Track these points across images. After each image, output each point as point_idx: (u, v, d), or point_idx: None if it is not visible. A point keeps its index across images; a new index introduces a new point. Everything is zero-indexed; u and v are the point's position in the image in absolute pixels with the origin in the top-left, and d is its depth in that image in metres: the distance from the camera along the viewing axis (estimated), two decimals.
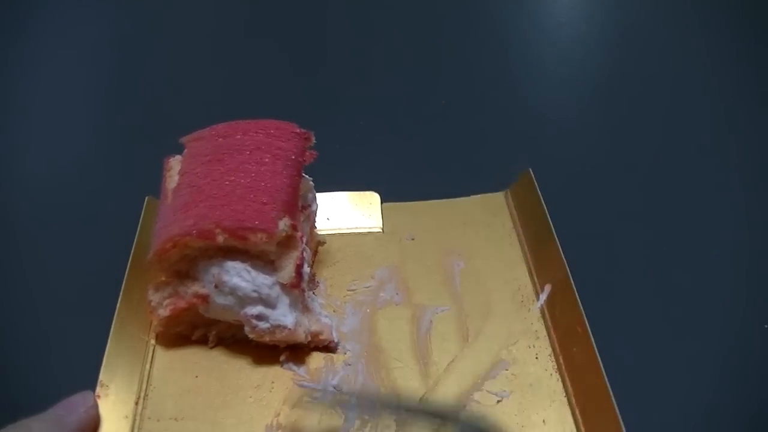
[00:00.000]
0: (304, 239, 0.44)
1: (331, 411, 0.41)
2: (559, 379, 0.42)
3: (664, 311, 0.49)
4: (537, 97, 0.73)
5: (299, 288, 0.42)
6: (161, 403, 0.41)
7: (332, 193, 0.55)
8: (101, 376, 0.40)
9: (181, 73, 0.77)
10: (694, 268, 0.52)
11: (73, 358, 0.44)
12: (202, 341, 0.45)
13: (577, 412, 0.40)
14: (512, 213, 0.54)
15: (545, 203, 0.51)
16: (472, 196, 0.56)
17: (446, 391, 0.42)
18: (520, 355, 0.44)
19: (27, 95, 0.73)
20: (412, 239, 0.52)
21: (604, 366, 0.39)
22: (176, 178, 0.45)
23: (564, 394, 0.42)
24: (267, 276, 0.42)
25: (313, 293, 0.47)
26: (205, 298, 0.42)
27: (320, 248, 0.51)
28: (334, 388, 0.42)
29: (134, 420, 0.40)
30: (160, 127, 0.60)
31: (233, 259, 0.41)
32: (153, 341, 0.45)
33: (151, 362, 0.44)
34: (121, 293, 0.45)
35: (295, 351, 0.44)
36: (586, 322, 0.42)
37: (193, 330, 0.45)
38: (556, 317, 0.45)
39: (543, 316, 0.46)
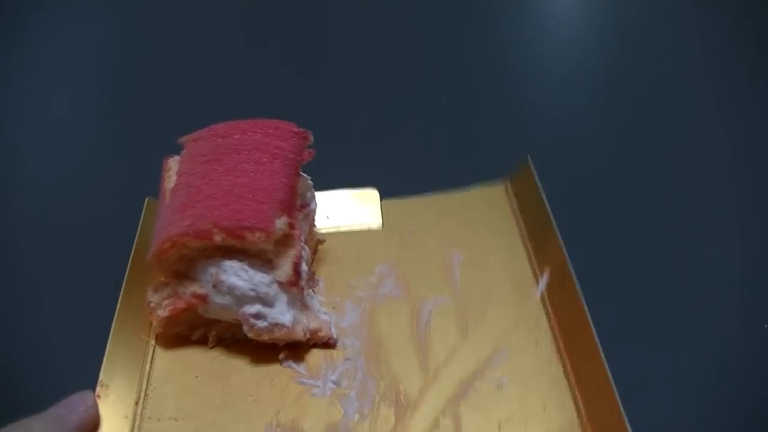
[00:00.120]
0: (302, 237, 0.44)
1: (330, 406, 0.41)
2: (560, 366, 0.42)
3: (664, 301, 0.49)
4: (537, 96, 0.73)
5: (297, 286, 0.42)
6: (161, 403, 0.41)
7: (331, 192, 0.55)
8: (101, 376, 0.40)
9: (181, 73, 0.78)
10: (693, 265, 0.52)
11: (73, 358, 0.44)
12: (202, 341, 0.45)
13: (578, 397, 0.40)
14: (512, 202, 0.54)
15: (545, 201, 0.51)
16: (472, 188, 0.55)
17: (446, 381, 0.42)
18: (519, 342, 0.44)
19: (27, 96, 0.73)
20: (412, 233, 0.52)
21: (603, 351, 0.39)
22: (174, 178, 0.45)
23: (564, 380, 0.42)
24: (264, 275, 0.42)
25: (313, 291, 0.48)
26: (203, 298, 0.42)
27: (320, 246, 0.52)
28: (333, 383, 0.42)
29: (134, 420, 0.40)
30: (160, 128, 0.60)
31: (231, 259, 0.41)
32: (153, 341, 0.45)
33: (151, 362, 0.44)
34: (121, 294, 0.45)
35: (295, 349, 0.44)
36: (586, 308, 0.42)
37: (192, 330, 0.45)
38: (556, 304, 0.45)
39: (543, 303, 0.46)
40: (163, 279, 0.44)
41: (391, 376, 0.42)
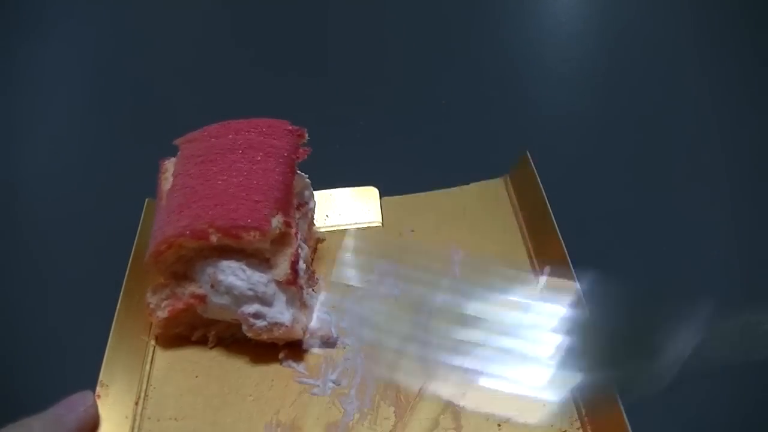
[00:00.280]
0: (299, 236, 0.44)
1: (330, 405, 0.41)
2: None
3: (664, 295, 0.49)
4: (536, 96, 0.73)
5: (295, 285, 0.42)
6: (161, 403, 0.41)
7: (331, 190, 0.55)
8: (101, 376, 0.40)
9: (182, 74, 0.78)
10: (692, 263, 0.52)
11: (73, 358, 0.45)
12: (202, 341, 0.45)
13: (578, 397, 0.40)
14: (511, 198, 0.54)
15: (545, 197, 0.51)
16: (472, 185, 0.55)
17: (446, 381, 0.42)
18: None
19: (27, 97, 0.73)
20: (412, 231, 0.52)
21: None
22: (171, 179, 0.45)
23: None
24: (262, 274, 0.42)
25: (312, 290, 0.47)
26: (202, 299, 0.42)
27: (319, 245, 0.51)
28: (333, 382, 0.42)
29: (134, 420, 0.40)
30: (160, 129, 0.60)
31: (228, 259, 0.41)
32: (153, 342, 0.45)
33: (151, 362, 0.44)
34: (121, 294, 0.45)
35: (294, 348, 0.44)
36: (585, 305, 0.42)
37: (192, 331, 0.45)
38: None
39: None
40: (161, 280, 0.44)
41: (391, 375, 0.42)
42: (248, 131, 0.46)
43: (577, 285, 0.43)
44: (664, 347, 0.45)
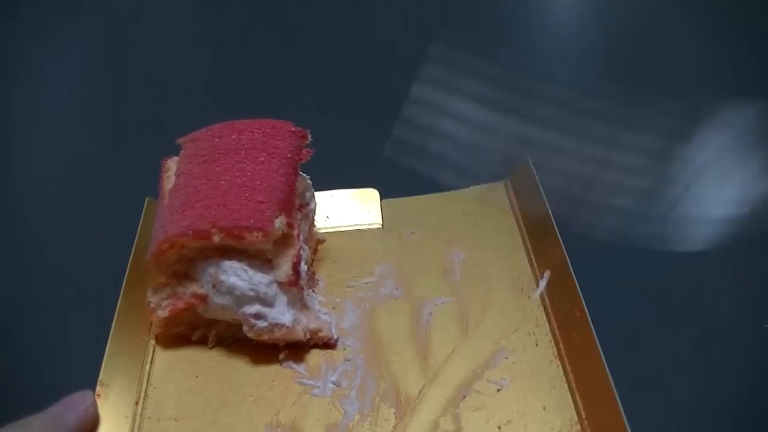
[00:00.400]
0: (301, 237, 0.44)
1: (330, 406, 0.41)
2: (560, 365, 0.42)
3: (664, 299, 0.49)
4: (537, 96, 0.73)
5: (297, 286, 0.42)
6: (161, 403, 0.41)
7: (331, 191, 0.55)
8: (101, 376, 0.40)
9: (182, 74, 0.78)
10: (693, 265, 0.52)
11: (73, 358, 0.44)
12: (202, 341, 0.45)
13: (578, 397, 0.40)
14: (512, 202, 0.54)
15: (545, 201, 0.51)
16: (472, 188, 0.56)
17: (446, 382, 0.42)
18: (519, 342, 0.44)
19: (27, 97, 0.73)
20: (412, 233, 0.52)
21: (603, 351, 0.39)
22: (173, 179, 0.45)
23: (564, 380, 0.42)
24: (264, 274, 0.42)
25: (313, 291, 0.47)
26: (203, 299, 0.42)
27: (320, 246, 0.52)
28: (333, 383, 0.42)
29: (134, 420, 0.40)
30: (160, 128, 0.60)
31: (230, 259, 0.41)
32: (153, 341, 0.45)
33: (151, 362, 0.44)
34: (121, 294, 0.45)
35: (295, 349, 0.44)
36: (586, 308, 0.42)
37: (192, 330, 0.45)
38: (556, 303, 0.45)
39: (543, 303, 0.46)
40: (162, 279, 0.44)
41: (391, 377, 0.42)
42: (252, 131, 0.46)
43: (577, 289, 0.43)
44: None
